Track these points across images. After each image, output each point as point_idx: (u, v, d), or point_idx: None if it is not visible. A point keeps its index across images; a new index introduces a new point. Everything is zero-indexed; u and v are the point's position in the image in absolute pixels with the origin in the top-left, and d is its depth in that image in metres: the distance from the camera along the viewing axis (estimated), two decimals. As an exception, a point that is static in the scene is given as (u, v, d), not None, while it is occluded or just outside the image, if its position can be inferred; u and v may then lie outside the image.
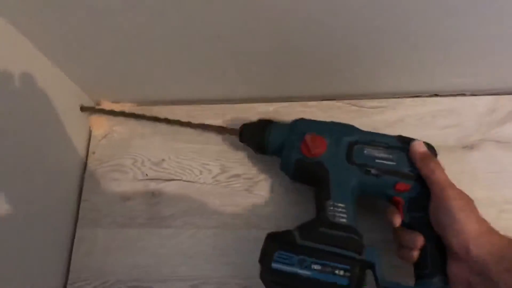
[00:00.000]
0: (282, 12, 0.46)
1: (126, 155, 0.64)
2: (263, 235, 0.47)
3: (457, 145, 0.59)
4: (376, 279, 0.45)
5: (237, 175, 0.61)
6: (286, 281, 0.44)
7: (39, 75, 0.54)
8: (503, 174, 0.58)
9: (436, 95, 0.62)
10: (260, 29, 0.50)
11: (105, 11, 0.47)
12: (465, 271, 0.43)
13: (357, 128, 0.52)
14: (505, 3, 0.45)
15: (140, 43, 0.53)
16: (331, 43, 0.52)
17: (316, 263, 0.44)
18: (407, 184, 0.48)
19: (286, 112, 0.63)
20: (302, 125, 0.53)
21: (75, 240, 0.60)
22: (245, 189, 0.60)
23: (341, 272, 0.43)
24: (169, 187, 0.61)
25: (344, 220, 0.47)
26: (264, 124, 0.55)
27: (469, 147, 0.59)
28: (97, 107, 0.66)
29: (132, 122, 0.65)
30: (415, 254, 0.46)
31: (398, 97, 0.63)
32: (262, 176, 0.60)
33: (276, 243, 0.46)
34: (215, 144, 0.63)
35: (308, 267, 0.44)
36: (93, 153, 0.65)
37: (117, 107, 0.66)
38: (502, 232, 0.43)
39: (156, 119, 0.64)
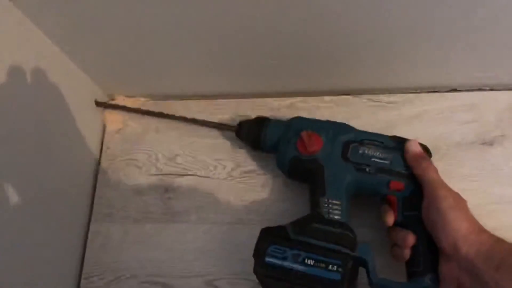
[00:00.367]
0: (297, 3, 0.46)
1: (140, 150, 0.64)
2: (278, 232, 0.47)
3: (476, 141, 0.58)
4: (368, 275, 0.45)
5: (252, 171, 0.60)
6: (279, 275, 0.44)
7: (54, 69, 0.54)
8: (524, 171, 0.56)
9: (455, 90, 0.61)
10: (275, 23, 0.49)
11: (120, 4, 0.47)
12: (455, 269, 0.43)
13: (353, 127, 0.53)
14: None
15: (154, 36, 0.53)
16: (347, 36, 0.51)
17: (309, 258, 0.44)
18: (401, 183, 0.49)
19: (301, 107, 0.63)
20: (299, 123, 0.53)
21: (89, 235, 0.60)
22: (260, 185, 0.59)
23: (334, 267, 0.44)
24: (183, 182, 0.61)
25: (338, 216, 0.48)
26: (261, 121, 0.56)
27: (489, 143, 0.58)
28: (111, 101, 0.66)
29: (146, 117, 0.64)
30: (407, 252, 0.46)
31: (416, 92, 0.62)
32: (277, 172, 0.59)
33: (270, 237, 0.46)
34: (230, 139, 0.62)
35: (301, 262, 0.44)
36: (107, 148, 0.65)
37: (131, 102, 0.66)
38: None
39: (149, 112, 0.64)
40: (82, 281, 0.58)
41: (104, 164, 0.64)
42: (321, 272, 0.44)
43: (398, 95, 0.61)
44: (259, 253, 0.46)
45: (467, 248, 0.42)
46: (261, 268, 0.45)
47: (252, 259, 0.46)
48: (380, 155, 0.50)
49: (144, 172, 0.62)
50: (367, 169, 0.50)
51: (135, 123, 0.65)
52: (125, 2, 0.47)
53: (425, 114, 0.60)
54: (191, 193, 0.60)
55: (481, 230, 0.43)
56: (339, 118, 0.55)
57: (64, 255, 0.57)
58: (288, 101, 0.63)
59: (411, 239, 0.46)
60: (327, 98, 0.63)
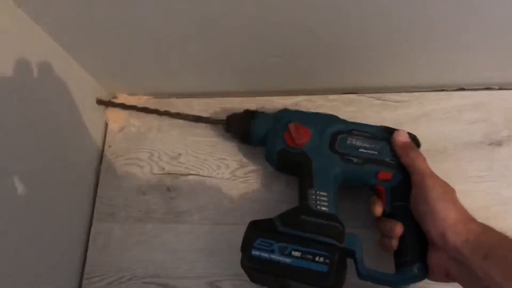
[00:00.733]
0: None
1: (142, 148, 0.63)
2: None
3: (484, 141, 0.57)
4: (356, 266, 0.45)
5: (256, 171, 0.59)
6: (266, 268, 0.44)
7: (55, 68, 0.53)
8: (533, 171, 0.55)
9: (463, 89, 0.60)
10: (279, 20, 0.48)
11: (122, 2, 0.46)
12: (443, 259, 0.43)
13: (341, 119, 0.53)
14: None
15: (156, 34, 0.52)
16: (353, 34, 0.50)
17: (296, 250, 0.44)
18: (389, 173, 0.49)
19: (306, 106, 0.62)
20: (287, 115, 0.53)
21: (91, 234, 0.60)
22: (263, 185, 0.59)
23: (321, 259, 0.43)
24: (185, 182, 0.60)
25: (325, 208, 0.48)
26: (250, 115, 0.56)
27: (497, 143, 0.57)
28: (113, 100, 0.66)
29: (149, 115, 0.64)
30: (395, 242, 0.46)
31: (423, 91, 0.61)
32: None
33: (257, 230, 0.46)
34: (233, 138, 0.61)
35: (288, 254, 0.44)
36: (109, 146, 0.64)
37: (133, 100, 0.65)
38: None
39: (141, 109, 0.63)
40: (84, 281, 0.58)
41: (106, 163, 0.63)
42: (308, 264, 0.43)
43: (405, 93, 0.61)
44: (245, 246, 0.45)
45: (455, 237, 0.41)
46: (248, 261, 0.45)
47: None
48: (368, 145, 0.50)
49: (146, 171, 0.62)
50: (354, 160, 0.50)
51: (138, 122, 0.65)
52: (126, 2, 0.46)
53: (432, 113, 0.59)
54: (194, 193, 0.59)
55: (470, 219, 0.43)
56: (345, 117, 0.54)
57: (65, 255, 0.57)
58: (292, 99, 0.62)
59: (399, 229, 0.46)
60: (332, 96, 0.62)
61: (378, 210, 0.48)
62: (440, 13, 0.46)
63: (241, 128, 0.56)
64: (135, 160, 0.62)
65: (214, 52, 0.55)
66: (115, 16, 0.49)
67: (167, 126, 0.63)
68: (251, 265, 0.45)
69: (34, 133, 0.50)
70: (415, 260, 0.45)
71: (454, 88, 0.60)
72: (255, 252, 0.45)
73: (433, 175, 0.46)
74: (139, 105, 0.64)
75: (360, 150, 0.50)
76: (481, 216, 0.53)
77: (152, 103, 0.64)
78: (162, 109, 0.63)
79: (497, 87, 0.60)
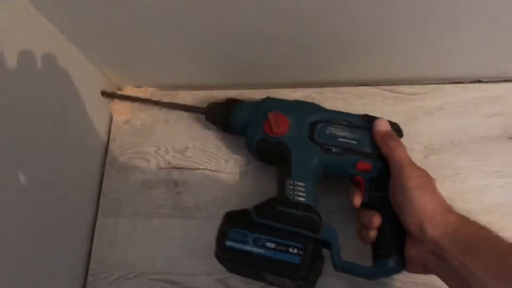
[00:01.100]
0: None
1: (148, 142, 0.62)
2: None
3: (502, 135, 0.56)
4: (332, 258, 0.45)
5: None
6: (239, 259, 0.44)
7: (59, 59, 0.52)
8: (552, 167, 0.54)
9: (479, 81, 0.59)
10: (289, 9, 0.47)
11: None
12: (421, 251, 0.42)
13: (322, 107, 0.52)
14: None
15: (163, 25, 0.51)
16: (366, 23, 0.49)
17: (270, 241, 0.44)
18: (368, 163, 0.48)
19: (316, 99, 0.59)
20: (268, 104, 0.53)
21: (96, 230, 0.59)
22: (273, 180, 0.56)
23: (295, 250, 0.43)
24: (193, 177, 0.59)
25: (302, 199, 0.47)
26: (231, 103, 0.55)
27: (515, 137, 0.55)
28: (118, 92, 0.64)
29: (155, 108, 0.62)
30: (373, 234, 0.45)
31: (439, 83, 0.59)
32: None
33: (232, 221, 0.46)
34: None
35: (262, 245, 0.44)
36: (114, 139, 0.63)
37: (139, 92, 0.64)
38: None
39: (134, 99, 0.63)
40: (89, 278, 0.56)
41: (111, 156, 0.62)
42: (281, 256, 0.43)
43: (419, 86, 0.59)
44: (220, 237, 0.45)
45: (432, 228, 0.40)
46: (222, 252, 0.45)
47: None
48: (348, 134, 0.49)
49: (152, 165, 0.60)
50: (333, 150, 0.49)
51: (144, 115, 0.63)
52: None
53: (448, 106, 0.58)
54: (201, 188, 0.58)
55: (448, 210, 0.42)
56: (356, 111, 0.53)
57: (70, 251, 0.56)
58: (302, 92, 0.61)
59: (376, 220, 0.45)
60: (343, 89, 0.60)
61: (357, 200, 0.47)
62: (455, 2, 0.45)
63: (222, 117, 0.55)
64: (141, 154, 0.61)
65: (222, 44, 0.54)
66: (119, 6, 0.47)
67: (174, 119, 0.62)
68: (225, 256, 0.45)
69: (36, 126, 0.49)
70: (392, 252, 0.44)
71: (470, 80, 0.59)
72: (229, 243, 0.45)
73: (412, 164, 0.45)
74: (127, 94, 0.63)
75: (339, 139, 0.49)
76: (498, 212, 0.52)
77: (158, 96, 0.63)
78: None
79: (515, 79, 0.58)
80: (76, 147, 0.57)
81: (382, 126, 0.48)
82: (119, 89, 0.65)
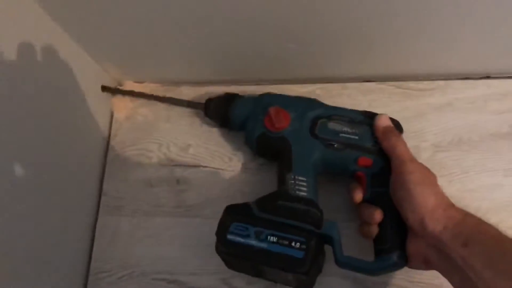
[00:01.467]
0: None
1: (150, 139, 0.60)
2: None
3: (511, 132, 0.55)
4: (334, 253, 0.45)
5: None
6: (241, 253, 0.44)
7: (57, 53, 0.51)
8: None
9: (489, 77, 0.58)
10: (294, 3, 0.46)
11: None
12: (422, 247, 0.42)
13: (322, 103, 0.52)
14: None
15: (164, 19, 0.50)
16: (373, 17, 0.48)
17: (272, 235, 0.43)
18: (369, 159, 0.48)
19: (322, 95, 0.59)
20: (267, 99, 0.52)
21: (97, 228, 0.58)
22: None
23: (297, 245, 0.43)
24: (196, 174, 0.58)
25: (304, 193, 0.47)
26: (229, 98, 0.55)
27: (526, 135, 0.54)
28: (119, 87, 0.63)
29: (157, 104, 0.61)
30: (374, 229, 0.45)
31: (447, 79, 0.58)
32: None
33: (233, 215, 0.46)
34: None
35: (264, 239, 0.43)
36: (115, 136, 0.61)
37: (140, 87, 0.63)
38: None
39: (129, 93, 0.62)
40: (90, 277, 0.55)
41: (112, 153, 0.61)
42: (284, 250, 0.43)
43: (427, 82, 0.58)
44: (220, 230, 0.45)
45: (434, 224, 0.40)
46: (222, 246, 0.44)
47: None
48: (349, 130, 0.49)
49: (154, 162, 0.59)
50: (335, 145, 0.49)
51: (145, 111, 0.62)
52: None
53: (457, 102, 0.57)
54: (204, 186, 0.57)
55: (449, 205, 0.42)
56: (363, 107, 0.52)
57: (70, 250, 0.55)
58: (308, 88, 0.60)
59: (378, 215, 0.45)
60: (349, 85, 0.59)
61: (358, 196, 0.47)
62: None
63: (221, 112, 0.55)
64: (143, 151, 0.60)
65: (225, 38, 0.53)
66: (120, 0, 0.46)
67: (176, 116, 0.61)
68: (226, 250, 0.44)
69: (35, 122, 0.48)
70: (394, 247, 0.44)
71: (479, 76, 0.58)
72: (230, 237, 0.44)
73: (413, 160, 0.45)
74: (124, 89, 0.62)
75: (341, 135, 0.49)
76: (508, 211, 0.51)
77: (160, 91, 0.62)
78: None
79: (526, 75, 0.57)
80: (76, 144, 0.56)
81: (383, 122, 0.48)
82: (120, 85, 0.64)
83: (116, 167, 0.60)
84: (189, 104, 0.59)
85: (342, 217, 0.50)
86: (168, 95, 0.61)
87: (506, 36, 0.51)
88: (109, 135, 0.62)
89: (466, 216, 0.40)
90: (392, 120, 0.49)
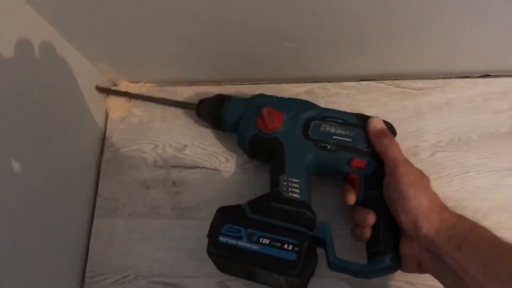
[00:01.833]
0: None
1: (146, 139, 0.60)
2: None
3: (511, 131, 0.54)
4: (327, 256, 0.44)
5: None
6: (233, 255, 0.43)
7: (53, 54, 0.51)
8: None
9: (488, 75, 0.57)
10: (286, 4, 0.45)
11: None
12: (416, 249, 0.42)
13: (316, 105, 0.52)
14: None
15: (159, 18, 0.49)
16: (372, 16, 0.47)
17: (264, 237, 0.43)
18: (363, 161, 0.48)
19: (320, 94, 0.58)
20: (260, 100, 0.52)
21: (92, 231, 0.57)
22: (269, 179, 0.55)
23: (290, 247, 0.42)
24: (192, 175, 0.57)
25: (297, 195, 0.47)
26: (222, 99, 0.54)
27: (526, 134, 0.54)
28: (114, 87, 0.62)
29: (152, 104, 0.60)
30: (367, 232, 0.45)
31: (446, 78, 0.57)
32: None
33: (225, 217, 0.45)
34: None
35: (256, 241, 0.43)
36: (111, 137, 0.61)
37: (135, 88, 0.62)
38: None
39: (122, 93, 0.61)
40: (86, 280, 0.55)
41: (107, 154, 0.60)
42: (276, 252, 0.42)
43: (426, 80, 0.57)
44: (212, 232, 0.44)
45: (427, 226, 0.40)
46: (214, 248, 0.44)
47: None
48: (342, 132, 0.49)
49: (150, 164, 0.58)
50: (328, 147, 0.49)
51: (140, 111, 0.61)
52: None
53: (456, 101, 0.56)
54: (200, 187, 0.56)
55: (443, 208, 0.42)
56: (361, 106, 0.51)
57: (65, 253, 0.54)
58: (306, 87, 0.59)
59: (371, 218, 0.45)
60: (348, 84, 0.59)
61: (351, 198, 0.47)
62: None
63: (213, 113, 0.54)
64: (138, 152, 0.59)
65: (222, 38, 0.52)
66: (114, 0, 0.46)
67: (172, 116, 0.60)
68: (218, 252, 0.44)
69: (29, 123, 0.47)
70: (388, 250, 0.44)
71: (479, 75, 0.57)
72: (222, 239, 0.44)
73: (406, 162, 0.45)
74: (118, 89, 0.61)
75: (334, 137, 0.49)
76: (508, 211, 0.50)
77: (156, 91, 0.61)
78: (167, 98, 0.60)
79: (526, 74, 0.56)
80: (71, 145, 0.56)
81: (376, 124, 0.48)
82: (115, 85, 0.63)
83: (111, 168, 0.59)
84: (181, 104, 0.59)
85: (335, 219, 0.50)
86: (164, 95, 0.60)
87: (505, 34, 0.50)
88: (104, 136, 0.61)
89: (460, 219, 0.40)
90: (386, 122, 0.49)
